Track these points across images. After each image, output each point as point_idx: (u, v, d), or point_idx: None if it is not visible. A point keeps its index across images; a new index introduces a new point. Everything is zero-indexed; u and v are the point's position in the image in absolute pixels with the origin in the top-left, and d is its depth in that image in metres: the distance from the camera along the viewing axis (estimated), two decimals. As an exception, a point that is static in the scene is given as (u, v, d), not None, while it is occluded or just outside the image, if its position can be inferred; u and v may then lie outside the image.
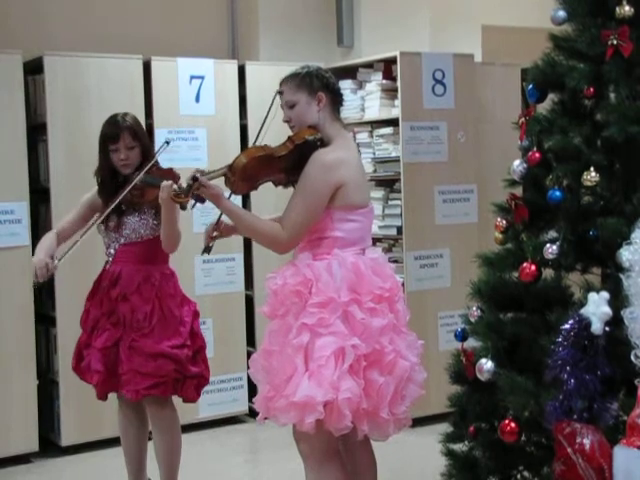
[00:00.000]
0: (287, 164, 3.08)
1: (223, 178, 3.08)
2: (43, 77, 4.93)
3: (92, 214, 3.77)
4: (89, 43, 5.36)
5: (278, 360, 2.98)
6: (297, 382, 2.89)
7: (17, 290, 4.81)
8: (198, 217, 5.16)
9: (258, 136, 3.11)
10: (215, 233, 3.23)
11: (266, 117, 3.12)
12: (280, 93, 3.14)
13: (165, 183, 3.37)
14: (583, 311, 2.42)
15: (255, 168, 3.04)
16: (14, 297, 4.81)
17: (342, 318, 2.94)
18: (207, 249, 3.25)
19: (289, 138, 3.10)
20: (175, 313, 3.68)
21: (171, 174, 3.58)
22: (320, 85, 3.14)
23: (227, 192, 3.15)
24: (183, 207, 3.28)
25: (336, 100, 3.20)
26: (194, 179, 2.99)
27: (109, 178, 3.71)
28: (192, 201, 3.12)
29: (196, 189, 2.99)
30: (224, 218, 3.20)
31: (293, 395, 2.88)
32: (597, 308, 2.39)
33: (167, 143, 3.65)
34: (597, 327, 2.38)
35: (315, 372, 2.88)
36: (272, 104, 3.14)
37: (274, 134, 3.14)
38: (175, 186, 3.15)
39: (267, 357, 3.07)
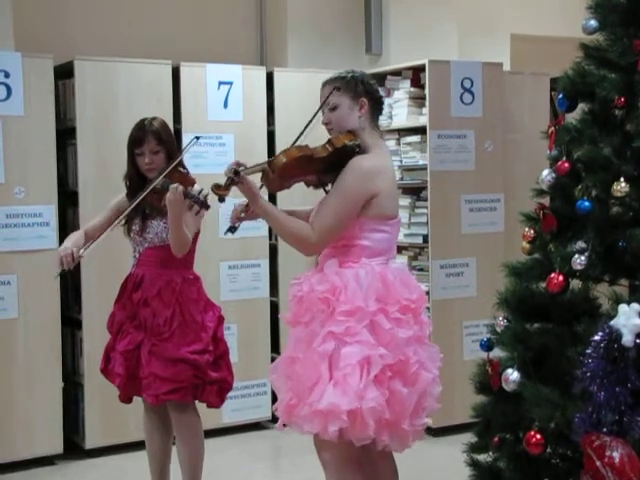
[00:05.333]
0: (323, 166, 3.07)
1: (259, 174, 3.06)
2: (73, 81, 4.96)
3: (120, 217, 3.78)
4: (119, 48, 5.41)
5: (302, 367, 2.97)
6: (322, 390, 2.88)
7: (44, 293, 4.84)
8: (225, 222, 5.16)
9: (300, 136, 3.07)
10: (243, 214, 3.15)
11: (312, 119, 3.08)
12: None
13: (173, 186, 3.38)
14: (613, 323, 2.40)
15: (294, 168, 3.03)
16: (41, 300, 4.84)
17: (368, 327, 2.93)
18: (232, 229, 3.16)
19: (329, 141, 3.08)
20: (197, 318, 3.68)
21: (189, 180, 3.55)
22: (364, 91, 3.12)
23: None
24: (206, 206, 3.34)
25: (377, 108, 3.18)
26: (236, 172, 2.93)
27: (136, 182, 3.71)
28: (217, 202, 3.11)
29: (236, 183, 2.95)
30: None
31: (317, 403, 2.87)
32: (628, 320, 2.37)
33: (197, 138, 3.62)
34: (628, 339, 2.35)
35: (340, 380, 2.87)
36: (320, 107, 3.11)
37: (312, 135, 3.13)
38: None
39: (290, 364, 3.05)
